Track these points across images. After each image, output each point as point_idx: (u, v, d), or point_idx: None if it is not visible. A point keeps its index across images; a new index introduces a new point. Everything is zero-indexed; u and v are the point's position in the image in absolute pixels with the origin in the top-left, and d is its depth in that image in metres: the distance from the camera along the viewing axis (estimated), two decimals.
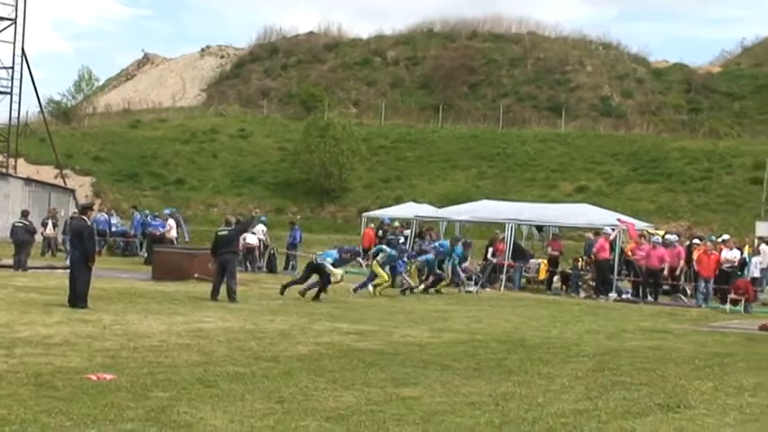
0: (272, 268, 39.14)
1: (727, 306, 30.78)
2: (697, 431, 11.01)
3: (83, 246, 22.14)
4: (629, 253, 34.52)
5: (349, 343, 17.63)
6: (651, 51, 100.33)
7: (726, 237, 36.46)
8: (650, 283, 32.96)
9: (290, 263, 40.62)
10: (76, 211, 28.00)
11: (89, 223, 22.97)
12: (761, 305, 32.02)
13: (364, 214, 49.37)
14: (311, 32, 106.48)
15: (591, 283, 34.55)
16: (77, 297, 21.62)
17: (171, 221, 41.43)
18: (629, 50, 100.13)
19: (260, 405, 11.46)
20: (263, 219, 43.22)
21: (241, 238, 32.05)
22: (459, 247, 33.05)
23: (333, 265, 27.73)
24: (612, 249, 34.40)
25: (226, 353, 15.56)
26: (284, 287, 28.13)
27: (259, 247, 39.71)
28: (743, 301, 30.77)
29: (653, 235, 35.53)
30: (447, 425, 10.81)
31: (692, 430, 11.04)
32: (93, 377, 12.57)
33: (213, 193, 69.73)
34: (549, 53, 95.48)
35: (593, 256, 34.53)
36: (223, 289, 25.52)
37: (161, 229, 41.15)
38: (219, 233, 26.83)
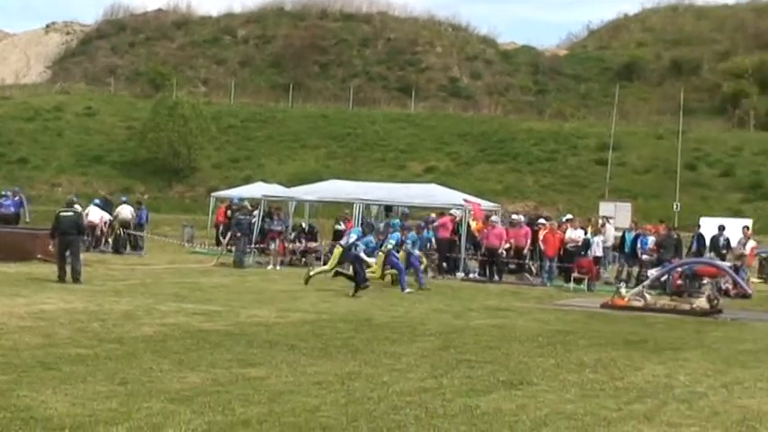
0: (117, 249, 38.58)
1: (571, 284, 31.41)
2: (539, 407, 11.20)
3: None
4: (477, 233, 34.89)
5: (195, 324, 17.51)
6: (500, 33, 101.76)
7: (570, 216, 37.13)
8: (494, 261, 33.37)
9: (138, 243, 40.08)
10: None
11: None
12: (603, 284, 32.71)
13: (213, 194, 49.04)
14: (159, 10, 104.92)
15: (437, 262, 34.83)
16: None
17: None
18: (478, 32, 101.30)
19: (102, 387, 11.32)
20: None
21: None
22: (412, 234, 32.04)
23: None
24: (458, 229, 34.75)
25: (68, 335, 15.31)
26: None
27: (102, 227, 39.03)
28: (586, 280, 31.43)
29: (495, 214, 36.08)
30: (293, 404, 10.83)
31: (533, 407, 11.23)
32: None
33: (57, 173, 68.27)
34: (399, 34, 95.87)
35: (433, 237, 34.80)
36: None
37: (12, 209, 40.16)
38: (62, 214, 26.27)
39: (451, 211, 35.01)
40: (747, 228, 35.12)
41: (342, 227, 37.20)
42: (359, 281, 25.46)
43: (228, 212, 42.30)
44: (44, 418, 9.69)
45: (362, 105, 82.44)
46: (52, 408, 10.14)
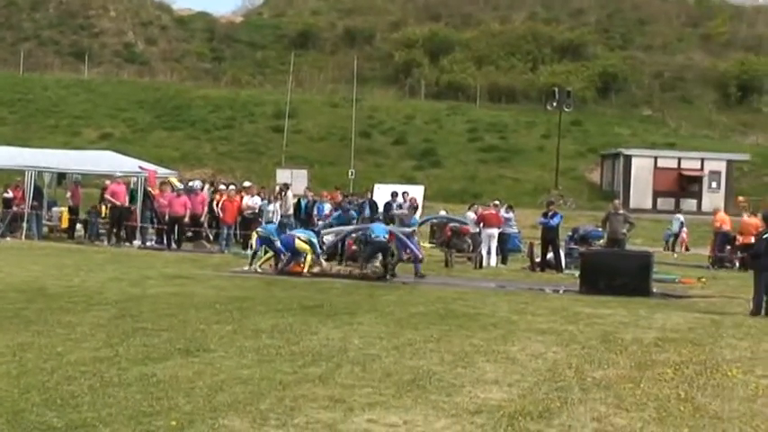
0: None
1: (248, 252, 31.57)
2: (215, 374, 11.29)
3: None
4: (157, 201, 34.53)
5: None
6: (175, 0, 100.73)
7: (248, 184, 37.35)
8: (173, 229, 33.20)
9: None
10: None
11: None
12: None
13: None
14: None
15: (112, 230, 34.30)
16: None
17: None
18: None
19: None
20: None
21: None
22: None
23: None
24: (133, 197, 34.34)
25: None
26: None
27: None
28: None
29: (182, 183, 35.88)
30: None
31: (210, 373, 11.32)
32: None
33: None
34: None
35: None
36: None
37: None
38: None
39: (115, 176, 34.55)
40: (407, 193, 36.24)
41: (10, 195, 36.06)
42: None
43: None
44: None
45: (34, 70, 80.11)
46: None
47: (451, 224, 32.94)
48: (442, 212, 37.12)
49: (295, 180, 44.54)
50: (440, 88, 79.46)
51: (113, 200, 33.49)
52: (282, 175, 46.85)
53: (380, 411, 9.82)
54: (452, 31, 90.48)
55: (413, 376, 11.57)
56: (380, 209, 34.56)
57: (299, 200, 35.29)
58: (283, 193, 35.73)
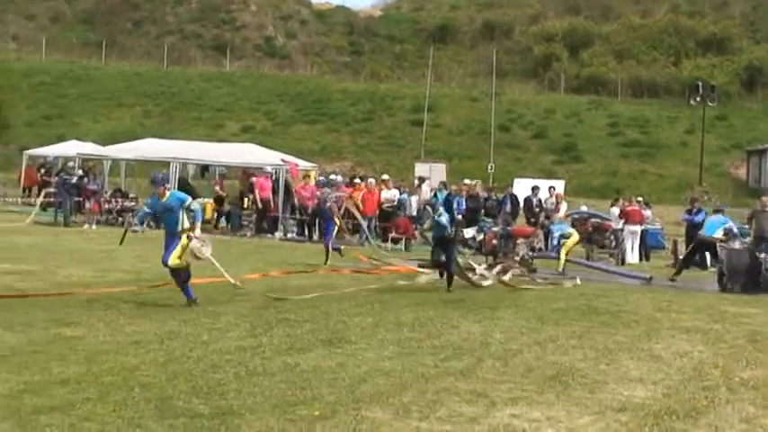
0: None
1: (389, 244, 31.73)
2: (358, 365, 11.35)
3: None
4: (297, 194, 34.87)
5: (10, 283, 17.16)
6: None
7: (385, 177, 37.45)
8: (314, 222, 33.42)
9: None
10: None
11: None
12: (421, 243, 33.10)
13: (25, 152, 47.82)
14: None
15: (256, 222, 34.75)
16: None
17: None
18: None
19: None
20: None
21: None
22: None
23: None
24: (276, 189, 34.71)
25: None
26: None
27: None
28: (403, 240, 31.81)
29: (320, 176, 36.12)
30: (111, 364, 10.77)
31: (352, 364, 11.38)
32: None
33: None
34: None
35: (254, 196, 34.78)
36: None
37: None
38: None
39: (264, 170, 34.99)
40: (554, 188, 35.93)
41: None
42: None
43: (42, 171, 41.37)
44: None
45: (177, 64, 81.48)
46: None
47: (593, 220, 32.58)
48: (584, 208, 36.71)
49: (433, 173, 44.46)
50: (580, 82, 78.63)
51: (259, 192, 33.93)
52: (420, 169, 46.83)
53: (523, 406, 9.77)
54: (592, 24, 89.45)
55: (555, 372, 11.48)
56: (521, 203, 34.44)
57: (434, 193, 35.27)
58: (420, 187, 35.83)
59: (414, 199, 34.35)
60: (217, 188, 37.34)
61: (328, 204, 25.98)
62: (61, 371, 10.29)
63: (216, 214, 36.36)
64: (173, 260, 15.59)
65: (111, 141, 45.72)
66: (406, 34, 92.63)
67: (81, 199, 36.12)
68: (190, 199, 16.15)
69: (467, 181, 36.11)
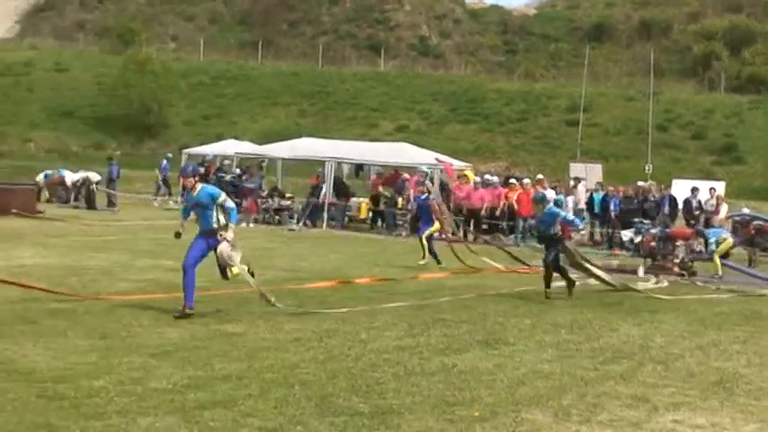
0: (91, 204, 38.40)
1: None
2: (516, 367, 11.28)
3: None
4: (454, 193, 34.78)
5: (172, 280, 17.46)
6: None
7: (540, 177, 37.14)
8: (470, 222, 33.36)
9: (111, 200, 39.92)
10: None
11: None
12: (576, 244, 32.69)
13: (185, 151, 48.75)
14: None
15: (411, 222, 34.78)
16: None
17: None
18: None
19: (82, 341, 11.38)
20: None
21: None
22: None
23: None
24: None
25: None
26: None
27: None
28: None
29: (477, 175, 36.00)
30: (271, 361, 10.90)
31: (511, 366, 11.31)
32: None
33: (29, 128, 67.79)
34: None
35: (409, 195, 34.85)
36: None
37: None
38: None
39: (419, 169, 35.06)
40: (714, 189, 35.21)
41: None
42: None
43: (200, 170, 42.05)
44: (26, 371, 9.74)
45: (332, 63, 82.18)
46: (34, 361, 10.20)
47: (755, 222, 31.77)
48: (745, 210, 35.85)
49: (589, 174, 43.93)
50: (741, 82, 76.79)
51: (415, 193, 34.00)
52: (575, 169, 46.33)
53: (686, 412, 9.58)
54: (754, 22, 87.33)
55: (719, 378, 11.24)
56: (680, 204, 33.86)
57: (590, 194, 34.89)
58: (575, 188, 35.48)
59: (570, 199, 34.03)
60: (380, 188, 37.42)
61: (429, 202, 24.84)
62: (223, 367, 10.45)
63: (371, 214, 36.58)
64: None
65: (268, 140, 46.38)
66: (561, 33, 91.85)
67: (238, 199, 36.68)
68: (223, 195, 14.64)
69: (640, 183, 35.63)
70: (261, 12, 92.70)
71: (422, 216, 25.19)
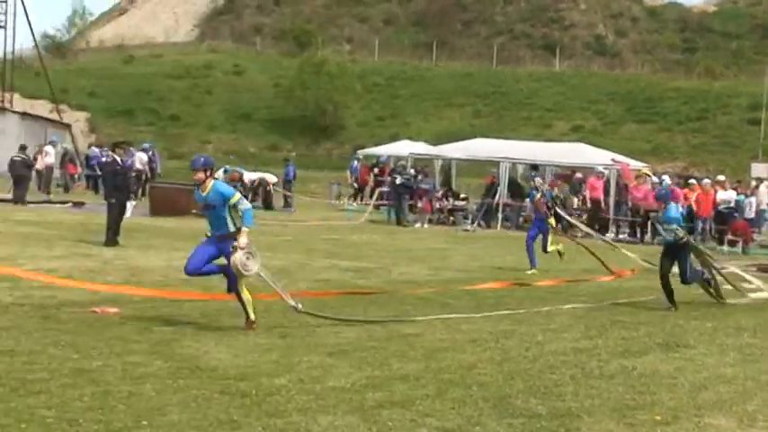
0: (268, 205, 39.12)
1: (725, 247, 30.82)
2: (697, 370, 11.05)
3: (111, 182, 22.18)
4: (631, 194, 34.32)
5: (348, 280, 17.69)
6: None
7: (721, 177, 36.38)
8: (647, 223, 32.84)
9: (287, 200, 40.64)
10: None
11: (119, 160, 22.43)
12: (758, 246, 32.00)
13: (359, 152, 49.27)
14: None
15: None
16: (108, 233, 21.54)
17: (140, 155, 40.22)
18: None
19: (263, 340, 11.55)
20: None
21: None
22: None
23: None
24: (607, 189, 34.36)
25: (225, 288, 15.57)
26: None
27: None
28: (740, 243, 30.81)
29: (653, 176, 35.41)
30: (449, 361, 10.87)
31: (692, 369, 11.09)
32: (98, 311, 12.64)
33: (208, 130, 69.55)
34: None
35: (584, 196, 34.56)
36: None
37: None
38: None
39: (597, 170, 34.71)
40: None
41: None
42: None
43: (375, 171, 42.49)
44: (209, 368, 9.93)
45: (506, 63, 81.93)
46: (216, 358, 10.39)
47: None
48: None
49: None
50: None
51: (590, 192, 33.71)
52: (757, 170, 45.22)
53: None
54: None
55: None
56: None
57: None
58: (758, 188, 34.67)
59: (752, 201, 33.24)
60: (556, 190, 37.04)
61: (536, 199, 22.71)
62: (400, 367, 10.48)
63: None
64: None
65: (442, 141, 46.52)
66: (742, 30, 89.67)
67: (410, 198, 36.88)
68: (237, 195, 12.56)
69: None
70: (435, 12, 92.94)
71: (535, 215, 23.40)
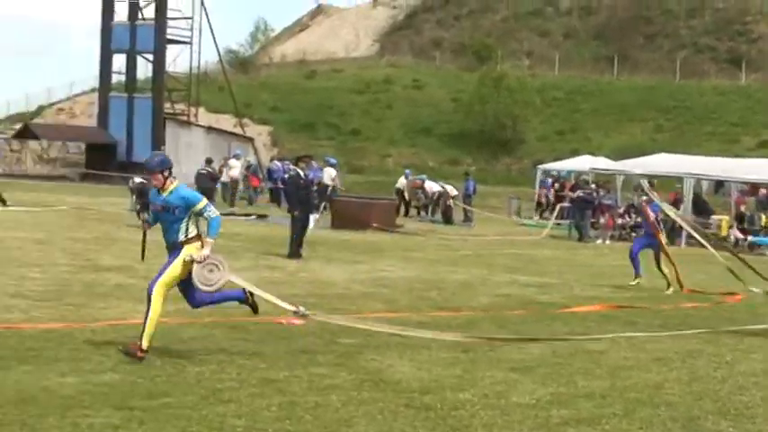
0: (448, 219, 39.27)
1: None
2: None
3: (294, 196, 22.58)
4: None
5: (529, 295, 17.62)
6: None
7: None
8: None
9: (467, 215, 40.75)
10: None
11: (301, 174, 22.78)
12: None
13: (539, 167, 49.04)
14: None
15: None
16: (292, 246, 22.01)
17: (329, 170, 40.65)
18: None
19: (445, 354, 11.57)
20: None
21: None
22: None
23: None
24: None
25: (408, 302, 15.72)
26: None
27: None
28: None
29: None
30: (635, 380, 10.73)
31: None
32: (283, 322, 12.85)
33: (387, 144, 70.19)
34: (728, 3, 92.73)
35: None
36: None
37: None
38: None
39: None
40: None
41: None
42: None
43: (556, 186, 42.26)
44: (393, 381, 10.01)
45: (690, 77, 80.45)
46: (400, 372, 10.47)
47: None
48: None
49: None
50: None
51: None
52: None
53: None
54: None
55: None
56: None
57: None
58: None
59: None
60: (742, 208, 36.36)
61: (643, 206, 21.03)
62: (586, 384, 10.39)
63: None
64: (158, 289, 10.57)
65: (623, 156, 45.97)
66: None
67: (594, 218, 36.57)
68: (204, 201, 10.86)
69: None
70: (617, 26, 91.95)
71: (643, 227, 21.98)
